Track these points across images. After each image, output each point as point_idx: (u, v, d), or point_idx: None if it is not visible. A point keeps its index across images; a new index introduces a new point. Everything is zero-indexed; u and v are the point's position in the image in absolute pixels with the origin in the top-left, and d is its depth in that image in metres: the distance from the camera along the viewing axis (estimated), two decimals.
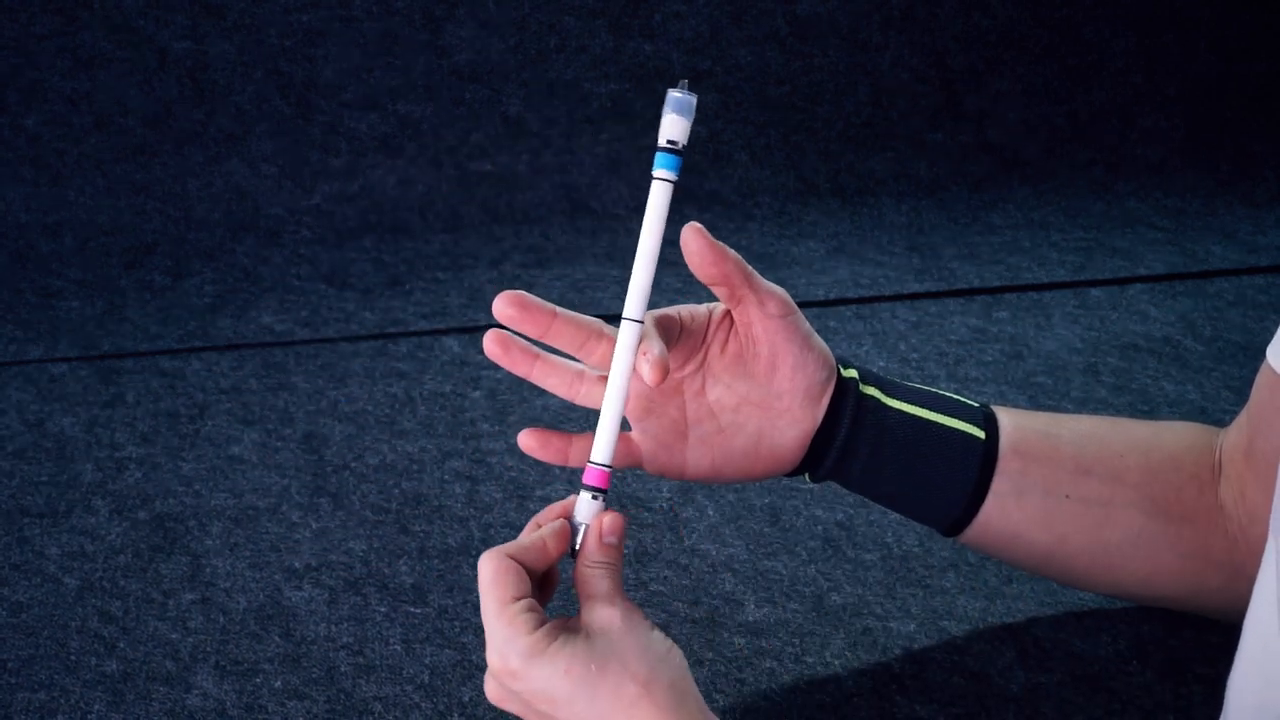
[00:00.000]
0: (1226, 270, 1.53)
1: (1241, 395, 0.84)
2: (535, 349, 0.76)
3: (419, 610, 0.93)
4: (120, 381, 1.26)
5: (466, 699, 0.84)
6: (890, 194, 1.75)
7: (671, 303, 0.79)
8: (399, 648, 0.89)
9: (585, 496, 0.73)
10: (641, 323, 0.72)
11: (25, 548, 1.01)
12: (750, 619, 0.92)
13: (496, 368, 0.76)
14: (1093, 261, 1.56)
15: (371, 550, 1.00)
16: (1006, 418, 0.82)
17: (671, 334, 0.76)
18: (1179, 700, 0.84)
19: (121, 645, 0.90)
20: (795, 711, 0.83)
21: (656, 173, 0.71)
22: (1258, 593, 0.67)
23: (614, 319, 0.76)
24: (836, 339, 1.35)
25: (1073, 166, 1.82)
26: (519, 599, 0.68)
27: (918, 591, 0.95)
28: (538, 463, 1.10)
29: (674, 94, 0.71)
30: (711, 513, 1.04)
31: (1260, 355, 0.78)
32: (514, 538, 0.72)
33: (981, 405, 0.82)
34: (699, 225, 0.74)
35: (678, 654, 0.69)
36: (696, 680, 0.85)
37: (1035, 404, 1.23)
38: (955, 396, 0.82)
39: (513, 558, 0.70)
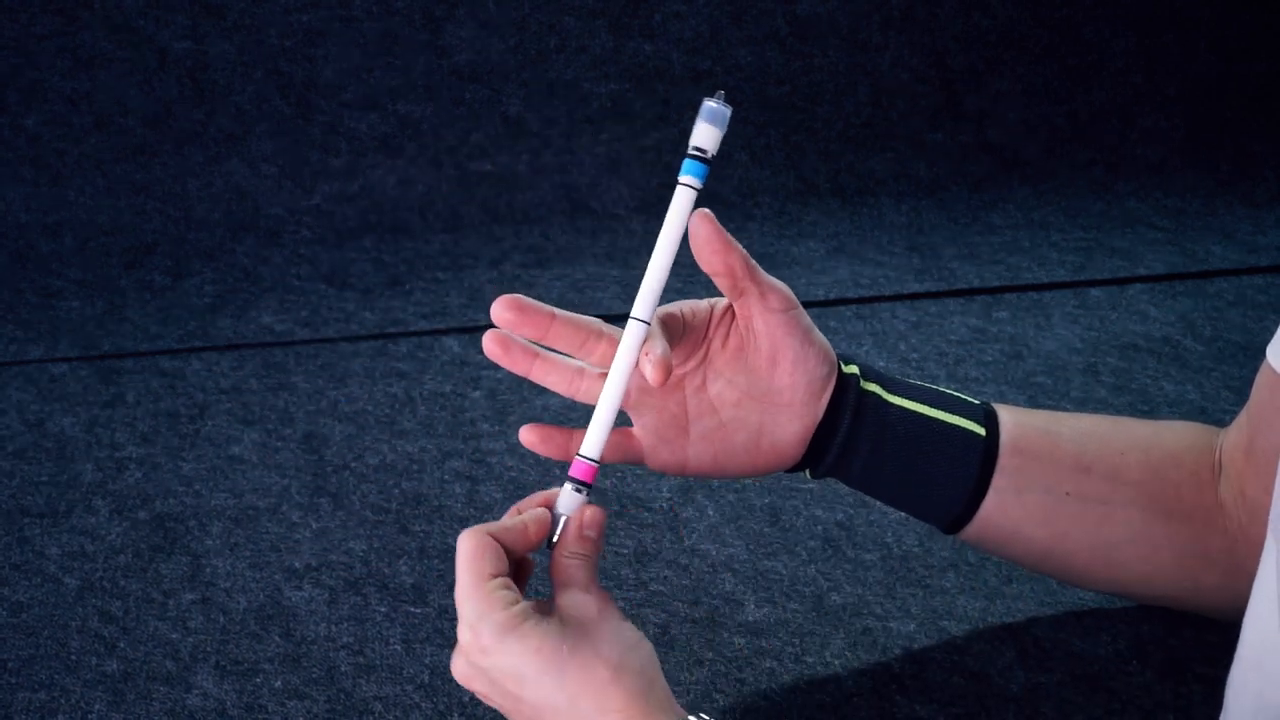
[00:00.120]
0: (1226, 270, 1.53)
1: (1241, 395, 0.84)
2: (534, 348, 0.76)
3: (419, 610, 0.93)
4: (120, 381, 1.26)
5: (467, 699, 0.84)
6: (890, 194, 1.75)
7: (671, 300, 0.79)
8: (399, 648, 0.89)
9: (568, 488, 0.73)
10: (648, 324, 0.73)
11: (25, 548, 1.01)
12: (750, 619, 0.92)
13: (496, 368, 0.77)
14: (1093, 261, 1.56)
15: (371, 550, 1.00)
16: (1007, 415, 0.82)
17: (674, 332, 0.76)
18: (1179, 700, 0.84)
19: (122, 645, 0.90)
20: (795, 711, 0.83)
21: (682, 179, 0.72)
22: (1257, 591, 0.67)
23: (614, 319, 0.76)
24: (836, 339, 1.35)
25: (1073, 166, 1.82)
26: (496, 576, 0.69)
27: (918, 591, 0.95)
28: (538, 462, 1.10)
29: (709, 103, 0.72)
30: (711, 513, 1.04)
31: (1260, 355, 0.78)
32: None
33: (982, 403, 0.82)
34: (709, 212, 0.74)
35: (648, 645, 0.70)
36: (697, 680, 0.85)
37: (1035, 404, 1.23)
38: (956, 393, 0.82)
39: (493, 536, 0.70)
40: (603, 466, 0.74)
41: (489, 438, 1.16)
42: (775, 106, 1.79)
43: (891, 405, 0.80)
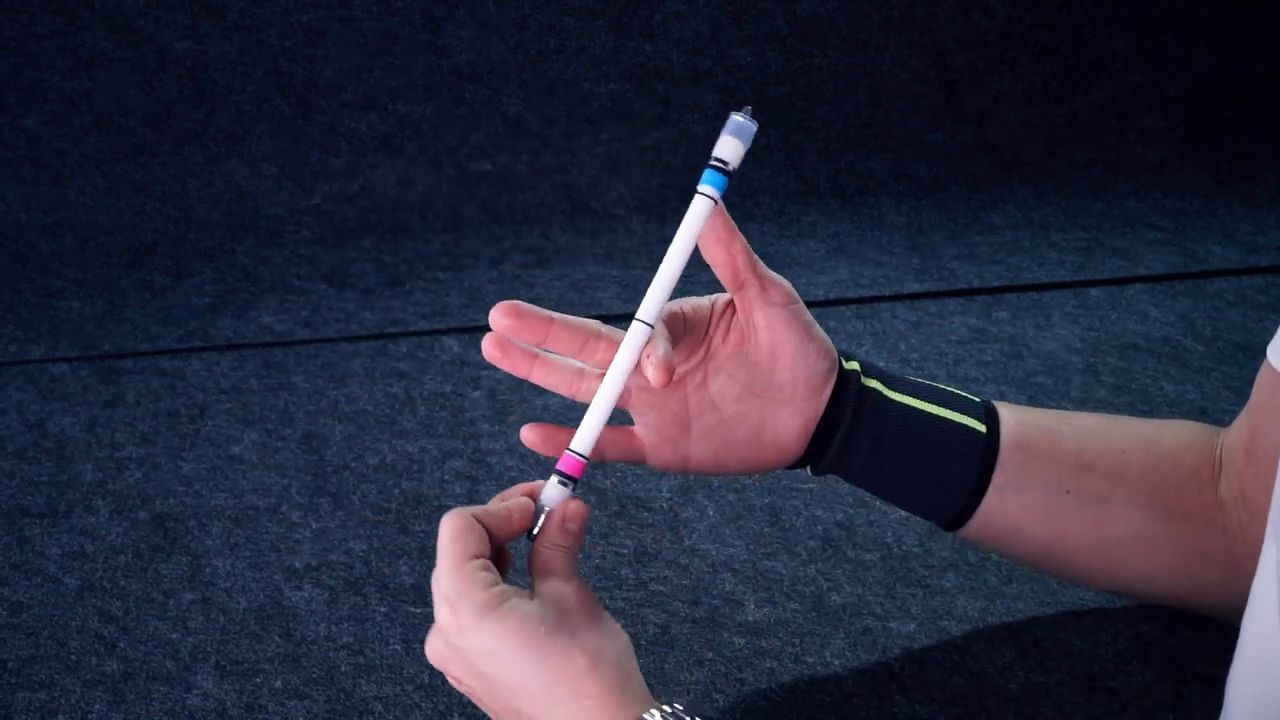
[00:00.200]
0: (1226, 270, 1.53)
1: (1241, 395, 0.84)
2: (534, 349, 0.76)
3: (419, 610, 0.93)
4: (120, 381, 1.26)
5: (467, 699, 0.84)
6: (890, 194, 1.75)
7: (670, 299, 0.79)
8: (399, 648, 0.89)
9: (554, 481, 0.73)
10: (652, 326, 0.73)
11: (25, 548, 1.01)
12: (750, 619, 0.92)
13: (496, 368, 0.77)
14: (1092, 261, 1.56)
15: (371, 550, 1.00)
16: (1008, 412, 0.82)
17: (676, 332, 0.76)
18: (1179, 699, 0.84)
19: (122, 645, 0.90)
20: (795, 711, 0.83)
21: (701, 188, 0.72)
22: (1256, 590, 0.67)
23: (614, 319, 0.76)
24: (836, 339, 1.33)
25: (1073, 166, 1.82)
26: (478, 557, 0.69)
27: (918, 591, 0.95)
28: (538, 462, 1.10)
29: (735, 117, 0.72)
30: (711, 513, 1.04)
31: (1260, 355, 0.78)
32: None
33: (983, 400, 0.82)
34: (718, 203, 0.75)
35: (625, 638, 0.70)
36: (696, 680, 0.85)
37: (1035, 404, 1.23)
38: (957, 391, 0.82)
39: (477, 518, 0.70)
40: (603, 466, 0.74)
41: (489, 438, 1.16)
42: (775, 106, 1.79)
43: (892, 401, 0.80)
